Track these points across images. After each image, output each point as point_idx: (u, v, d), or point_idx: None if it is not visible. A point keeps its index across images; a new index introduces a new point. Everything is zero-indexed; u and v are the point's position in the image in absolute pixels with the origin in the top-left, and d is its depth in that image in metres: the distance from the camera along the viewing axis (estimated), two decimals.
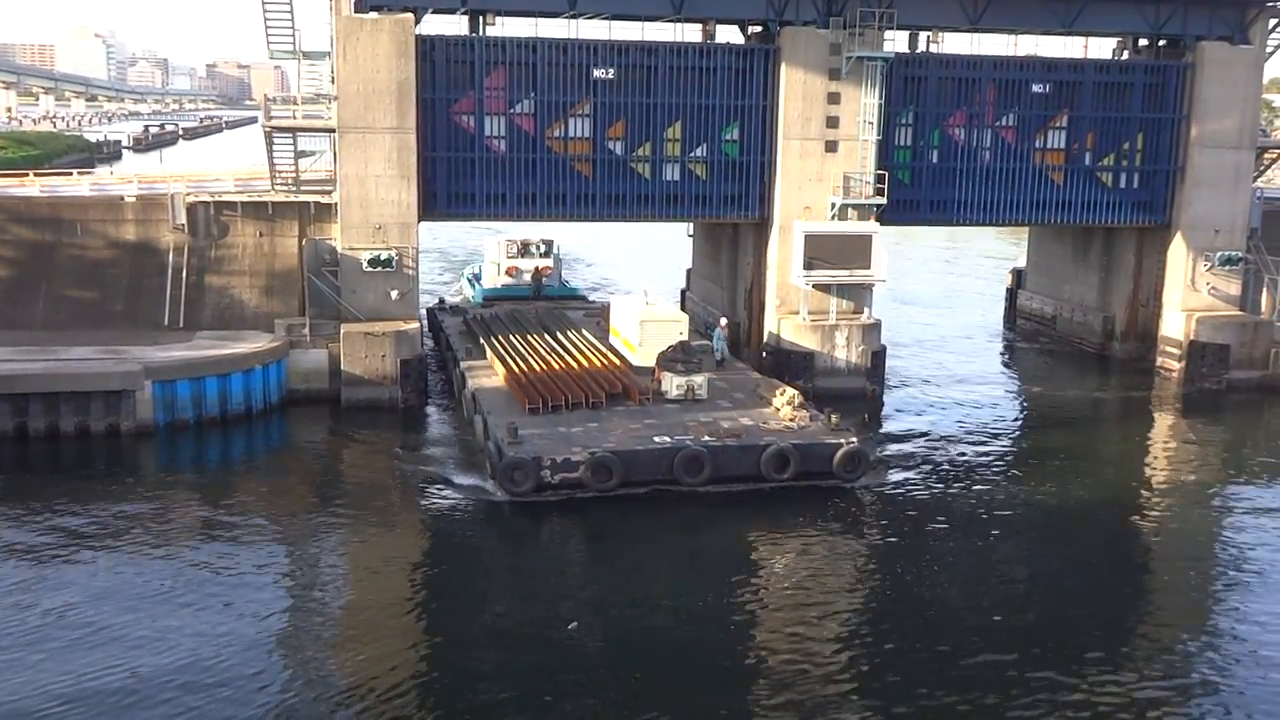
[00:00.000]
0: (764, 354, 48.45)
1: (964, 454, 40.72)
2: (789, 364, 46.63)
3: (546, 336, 47.64)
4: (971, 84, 49.85)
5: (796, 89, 46.60)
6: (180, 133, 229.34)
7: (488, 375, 43.12)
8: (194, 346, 42.77)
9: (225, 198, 47.37)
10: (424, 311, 54.91)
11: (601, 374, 42.02)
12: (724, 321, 49.20)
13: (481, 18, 45.93)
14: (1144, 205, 52.46)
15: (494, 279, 60.99)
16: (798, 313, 47.43)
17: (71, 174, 56.24)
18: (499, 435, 35.51)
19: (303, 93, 47.51)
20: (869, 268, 46.90)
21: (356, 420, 42.30)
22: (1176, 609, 29.31)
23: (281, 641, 25.80)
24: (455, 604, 28.18)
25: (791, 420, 37.62)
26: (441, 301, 60.99)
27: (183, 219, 46.11)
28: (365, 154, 43.92)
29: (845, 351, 47.07)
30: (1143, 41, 52.68)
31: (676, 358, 40.68)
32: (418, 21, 44.31)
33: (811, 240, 46.39)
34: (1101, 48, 54.47)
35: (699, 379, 40.43)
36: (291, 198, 46.63)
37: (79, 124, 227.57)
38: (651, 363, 41.74)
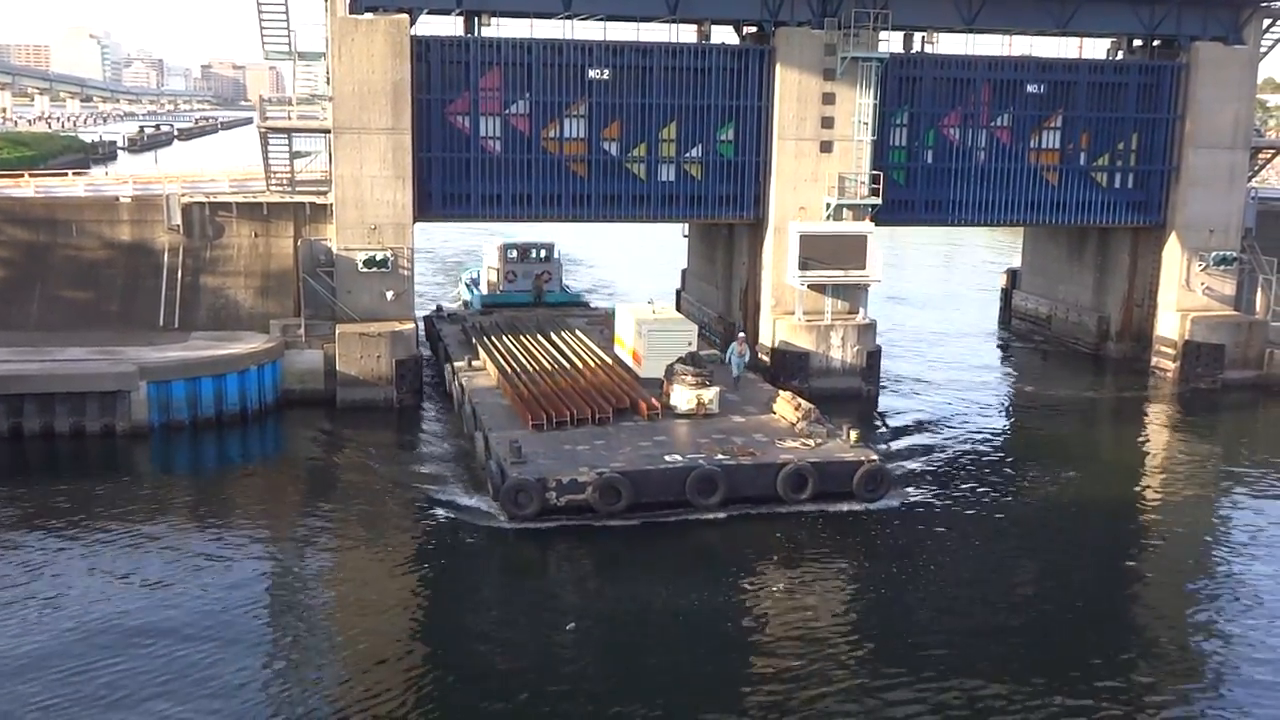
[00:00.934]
0: (759, 355, 48.42)
1: (959, 455, 40.73)
2: (784, 364, 46.65)
3: (549, 346, 46.11)
4: (966, 84, 49.91)
5: (791, 89, 46.67)
6: (175, 133, 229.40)
7: (489, 388, 41.57)
8: (189, 347, 42.75)
9: (220, 198, 47.41)
10: (421, 319, 54.27)
11: (608, 387, 40.32)
12: (742, 335, 45.66)
13: (476, 18, 45.92)
14: (1139, 205, 52.53)
15: (493, 284, 59.77)
16: (793, 313, 47.47)
17: (67, 174, 56.12)
18: (501, 454, 33.62)
19: (298, 93, 47.41)
20: (864, 268, 46.96)
21: (352, 421, 42.18)
22: (1177, 609, 29.27)
23: (275, 644, 25.79)
24: (455, 609, 28.10)
25: (805, 434, 36.12)
26: (439, 309, 59.41)
27: (178, 220, 46.13)
28: (360, 154, 43.92)
29: (840, 352, 47.10)
30: (1137, 42, 52.73)
31: (686, 370, 39.04)
32: (413, 22, 44.29)
33: (807, 240, 46.44)
34: (1096, 48, 54.58)
35: (710, 393, 38.78)
36: (286, 198, 46.67)
37: (74, 125, 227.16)
38: (659, 374, 40.22)
